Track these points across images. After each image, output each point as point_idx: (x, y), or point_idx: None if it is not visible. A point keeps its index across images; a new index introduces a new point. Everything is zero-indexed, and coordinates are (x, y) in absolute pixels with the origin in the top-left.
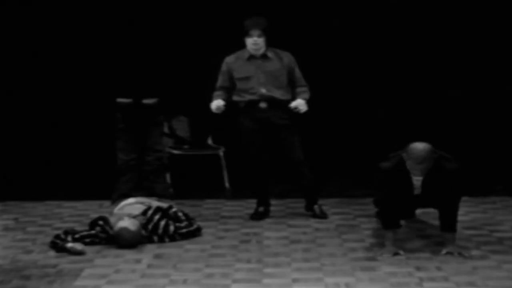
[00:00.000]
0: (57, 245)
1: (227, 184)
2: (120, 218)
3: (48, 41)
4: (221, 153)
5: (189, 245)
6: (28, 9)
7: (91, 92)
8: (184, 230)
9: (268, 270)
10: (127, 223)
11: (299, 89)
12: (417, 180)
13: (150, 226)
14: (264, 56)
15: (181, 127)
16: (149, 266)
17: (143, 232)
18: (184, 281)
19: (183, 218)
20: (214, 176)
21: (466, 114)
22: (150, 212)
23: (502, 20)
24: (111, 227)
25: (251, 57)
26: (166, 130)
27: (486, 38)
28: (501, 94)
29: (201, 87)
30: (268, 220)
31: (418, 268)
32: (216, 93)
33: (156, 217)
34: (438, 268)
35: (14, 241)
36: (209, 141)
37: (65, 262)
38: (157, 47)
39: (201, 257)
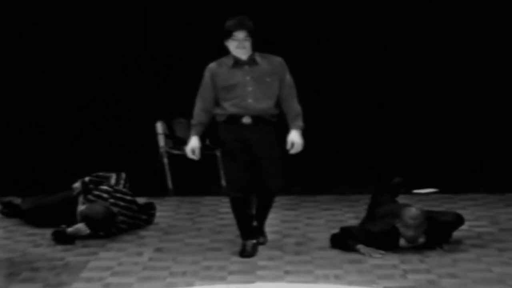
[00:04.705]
0: (60, 233)
1: (223, 182)
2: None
3: (44, 42)
4: (217, 153)
5: (188, 240)
6: (22, 11)
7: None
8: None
9: (262, 262)
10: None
11: (291, 110)
12: (404, 242)
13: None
14: (251, 61)
15: (181, 128)
16: (151, 259)
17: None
18: (184, 273)
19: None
20: (212, 174)
21: (450, 113)
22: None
23: (502, 20)
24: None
25: (237, 63)
26: (166, 131)
27: (482, 39)
28: (485, 95)
29: None
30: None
31: (403, 261)
32: (199, 105)
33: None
34: (421, 261)
35: (24, 235)
36: (207, 142)
37: (72, 255)
38: (157, 54)
39: (200, 250)
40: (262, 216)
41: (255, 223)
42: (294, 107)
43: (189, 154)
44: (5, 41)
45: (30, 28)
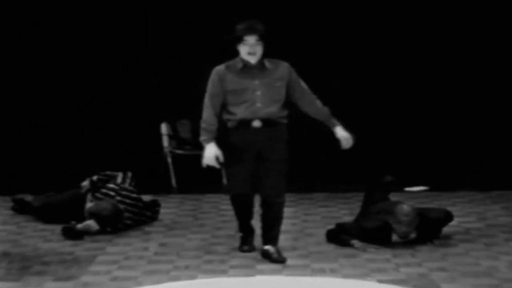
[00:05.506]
0: (69, 229)
1: (224, 181)
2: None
3: (44, 42)
4: None
5: (190, 235)
6: (22, 11)
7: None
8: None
9: (261, 257)
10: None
11: (321, 112)
12: (396, 237)
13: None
14: (260, 65)
15: (184, 129)
16: (155, 253)
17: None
18: (187, 267)
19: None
20: (213, 173)
21: (440, 115)
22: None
23: (500, 20)
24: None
25: (245, 67)
26: (170, 132)
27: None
28: (474, 95)
29: (202, 94)
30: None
31: (395, 255)
32: (210, 110)
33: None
34: (413, 255)
35: (35, 231)
36: None
37: (81, 250)
38: (162, 58)
39: (202, 245)
40: (268, 231)
41: (266, 247)
42: (322, 108)
43: (212, 162)
44: (5, 41)
45: (30, 28)
